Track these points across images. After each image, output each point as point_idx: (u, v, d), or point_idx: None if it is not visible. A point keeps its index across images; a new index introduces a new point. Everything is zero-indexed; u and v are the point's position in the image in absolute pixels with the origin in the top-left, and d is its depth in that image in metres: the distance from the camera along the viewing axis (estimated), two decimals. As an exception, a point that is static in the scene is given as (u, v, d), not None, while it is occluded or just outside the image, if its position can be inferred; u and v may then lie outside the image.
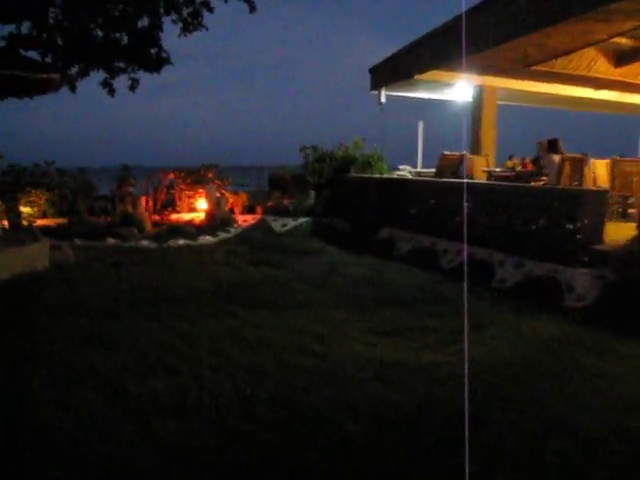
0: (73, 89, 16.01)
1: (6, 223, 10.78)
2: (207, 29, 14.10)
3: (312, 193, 14.71)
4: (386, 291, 7.29)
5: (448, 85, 12.12)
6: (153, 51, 15.49)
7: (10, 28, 11.31)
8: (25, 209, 11.57)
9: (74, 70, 15.57)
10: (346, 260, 9.46)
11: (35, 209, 11.77)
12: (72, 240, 10.54)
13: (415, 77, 10.70)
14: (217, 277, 7.69)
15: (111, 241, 10.56)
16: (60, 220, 11.66)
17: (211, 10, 13.20)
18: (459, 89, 12.72)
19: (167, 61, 15.50)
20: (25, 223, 11.04)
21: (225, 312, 5.97)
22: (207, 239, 11.13)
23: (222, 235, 11.72)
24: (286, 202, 14.33)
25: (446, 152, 11.69)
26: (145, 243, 10.40)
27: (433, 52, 9.79)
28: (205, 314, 5.88)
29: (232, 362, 4.48)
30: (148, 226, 11.40)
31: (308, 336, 5.19)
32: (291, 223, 13.34)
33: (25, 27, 11.64)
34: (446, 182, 10.29)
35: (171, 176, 12.75)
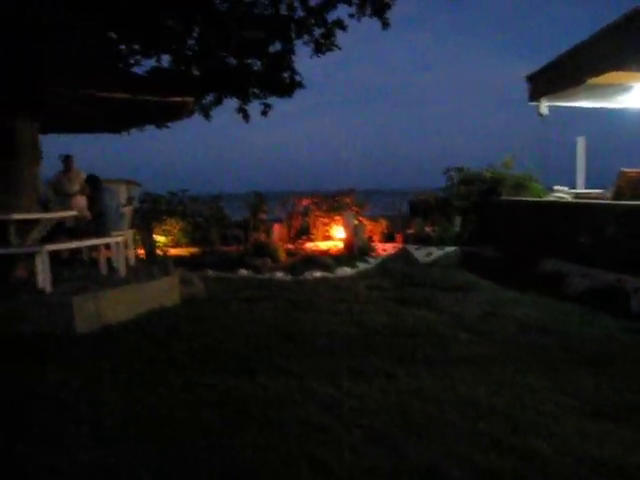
0: (207, 117, 15.97)
1: (141, 252, 10.51)
2: (340, 49, 13.33)
3: (458, 219, 13.31)
4: (569, 343, 5.77)
5: (625, 89, 10.27)
6: (286, 75, 15.09)
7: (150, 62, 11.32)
8: (160, 238, 11.32)
9: (208, 99, 15.52)
10: (505, 298, 8.00)
11: (169, 238, 11.50)
12: (204, 270, 10.03)
13: (588, 82, 9.06)
14: (361, 319, 6.59)
15: (244, 272, 9.90)
16: (193, 249, 11.28)
17: (344, 28, 12.40)
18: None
19: (300, 85, 15.02)
20: (159, 252, 10.73)
21: (376, 369, 4.83)
22: (345, 271, 10.14)
23: (361, 266, 10.69)
24: (429, 229, 13.06)
25: (626, 169, 9.82)
26: (279, 275, 9.60)
27: (617, 48, 8.16)
28: (353, 371, 4.77)
29: (398, 456, 3.30)
30: (282, 256, 10.66)
31: (490, 416, 3.88)
32: (436, 252, 12.03)
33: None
34: (632, 205, 8.50)
35: (306, 202, 11.98)
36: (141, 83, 7.44)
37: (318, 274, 9.72)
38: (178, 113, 8.23)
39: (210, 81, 14.10)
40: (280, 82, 15.41)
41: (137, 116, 8.43)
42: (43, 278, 6.45)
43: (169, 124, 15.21)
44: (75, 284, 6.79)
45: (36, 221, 7.35)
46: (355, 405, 4.06)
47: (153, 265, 8.50)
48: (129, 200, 12.11)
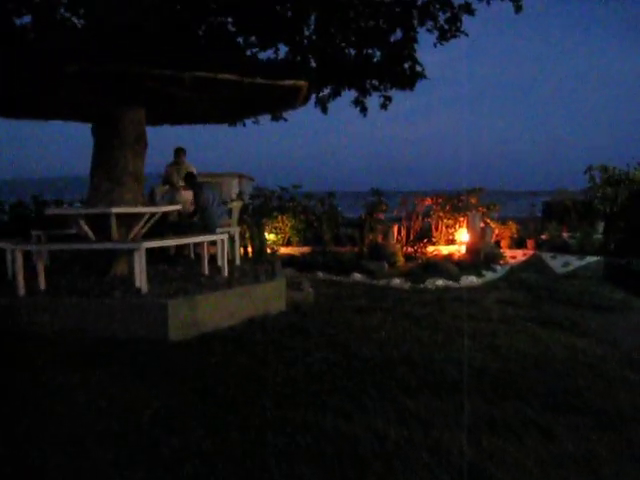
0: (324, 110, 15.26)
1: (250, 250, 9.92)
2: (467, 35, 12.04)
3: (600, 225, 11.57)
4: None
5: None
6: (407, 65, 14.07)
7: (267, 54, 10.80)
8: (270, 236, 10.68)
9: (326, 91, 14.82)
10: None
11: (279, 236, 10.82)
12: (315, 272, 9.23)
13: None
14: (496, 344, 5.40)
15: (358, 277, 8.97)
16: (304, 249, 10.53)
17: (472, 12, 11.10)
18: None
19: (421, 76, 13.93)
20: (269, 251, 10.07)
21: (524, 421, 3.69)
22: (471, 280, 8.90)
23: (488, 275, 9.39)
24: (565, 235, 11.43)
25: None
26: (397, 282, 8.56)
27: None
28: (494, 421, 3.66)
29: None
30: (400, 260, 9.61)
31: None
32: (574, 263, 10.44)
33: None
34: None
35: (428, 202, 10.82)
36: (253, 69, 6.71)
37: (440, 283, 8.57)
38: (291, 99, 7.43)
39: (328, 72, 13.38)
40: (401, 73, 14.39)
41: (248, 103, 7.75)
42: (140, 277, 5.89)
43: (283, 114, 14.64)
44: (174, 285, 6.19)
45: (138, 215, 6.87)
46: (504, 478, 2.96)
47: (260, 265, 7.80)
48: (239, 195, 11.63)
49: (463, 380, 4.41)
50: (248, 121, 14.42)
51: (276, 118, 14.61)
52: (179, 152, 8.90)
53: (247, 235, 10.30)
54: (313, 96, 14.56)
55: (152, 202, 7.57)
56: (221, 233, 7.35)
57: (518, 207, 12.80)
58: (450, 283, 8.62)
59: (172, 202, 8.49)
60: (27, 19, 7.92)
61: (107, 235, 6.63)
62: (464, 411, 3.81)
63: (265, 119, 14.34)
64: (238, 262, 7.86)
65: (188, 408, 3.86)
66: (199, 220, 7.77)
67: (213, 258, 7.26)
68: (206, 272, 6.88)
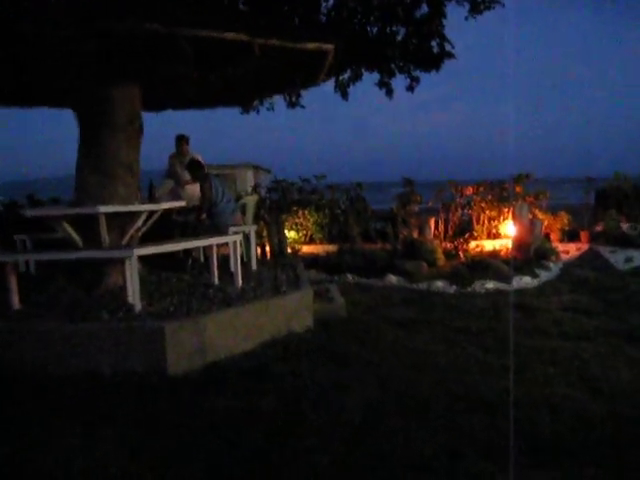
0: (345, 96, 14.05)
1: (268, 250, 8.74)
2: (503, 5, 10.68)
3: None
4: None
5: None
6: (434, 43, 12.74)
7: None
8: (290, 233, 9.49)
9: (346, 75, 13.61)
10: None
11: (301, 234, 9.62)
12: (343, 275, 8.03)
13: None
14: (592, 378, 4.12)
15: (393, 279, 7.75)
16: (329, 247, 9.32)
17: (508, -22, 9.76)
18: None
19: (449, 55, 12.58)
20: (289, 251, 8.88)
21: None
22: (526, 281, 7.63)
23: (543, 275, 8.10)
24: (625, 226, 10.08)
25: None
26: (440, 285, 7.32)
27: None
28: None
29: None
30: (440, 259, 8.36)
31: None
32: (639, 258, 9.13)
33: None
34: None
35: (469, 191, 9.53)
36: (266, 29, 5.47)
37: (491, 285, 7.32)
38: (314, 70, 6.21)
39: (348, 52, 12.20)
40: (427, 52, 13.11)
41: (261, 79, 6.55)
42: (133, 291, 4.73)
43: (301, 100, 13.40)
44: (176, 299, 5.03)
45: (134, 214, 5.72)
46: None
47: (280, 269, 6.62)
48: (255, 188, 10.46)
49: (564, 437, 3.19)
50: (262, 108, 13.24)
51: (292, 104, 13.39)
52: (181, 140, 7.73)
53: (264, 233, 9.12)
54: (333, 80, 13.44)
55: (152, 198, 6.41)
56: (234, 233, 6.19)
57: (567, 195, 11.46)
58: (502, 285, 7.37)
59: (176, 198, 7.35)
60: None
61: (94, 240, 5.50)
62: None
63: (280, 106, 13.12)
64: (254, 266, 6.68)
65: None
66: (208, 219, 6.61)
67: (226, 260, 6.10)
68: (216, 281, 5.71)
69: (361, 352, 4.65)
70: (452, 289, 7.20)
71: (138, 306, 4.69)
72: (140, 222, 5.78)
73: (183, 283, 5.85)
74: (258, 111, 13.00)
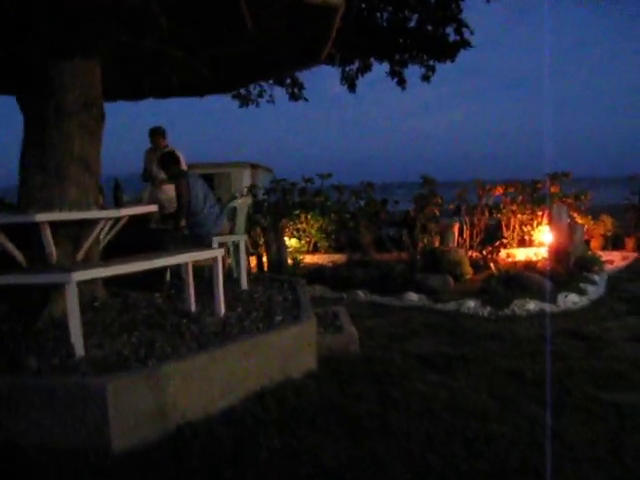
0: (352, 88, 12.90)
1: (265, 260, 7.51)
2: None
3: None
4: None
5: None
6: (451, 28, 11.60)
7: None
8: (291, 241, 8.24)
9: (354, 66, 12.47)
10: None
11: (304, 241, 8.36)
12: (353, 292, 6.79)
13: None
14: None
15: (413, 298, 6.49)
16: (336, 257, 8.08)
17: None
18: None
19: (466, 44, 11.41)
20: (290, 262, 7.64)
21: None
22: (572, 300, 6.36)
23: (590, 290, 6.83)
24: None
25: None
26: (471, 306, 6.06)
27: None
28: None
29: None
30: (468, 272, 7.11)
31: None
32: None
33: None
34: None
35: (498, 191, 8.22)
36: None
37: (532, 306, 6.05)
38: (318, 40, 4.94)
39: (356, 41, 11.05)
40: (441, 40, 11.91)
41: (255, 55, 5.31)
42: (74, 328, 3.49)
43: (304, 87, 12.21)
44: (135, 337, 3.79)
45: (88, 223, 4.50)
46: None
47: (277, 287, 5.37)
48: (250, 189, 9.21)
49: None
50: (262, 101, 12.07)
51: (295, 96, 12.19)
52: (156, 134, 6.52)
53: (261, 241, 7.89)
54: (339, 72, 12.26)
55: (118, 202, 5.17)
56: (219, 245, 4.97)
57: (606, 196, 10.17)
58: (545, 306, 6.10)
59: (152, 201, 6.15)
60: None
61: (36, 256, 4.30)
62: None
63: (283, 99, 11.94)
64: (245, 284, 5.42)
65: None
66: (187, 227, 5.37)
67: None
68: (193, 307, 4.47)
69: (383, 413, 3.39)
70: (486, 311, 5.93)
71: (79, 350, 3.45)
72: (96, 232, 4.55)
73: (153, 310, 4.61)
74: (257, 104, 11.82)
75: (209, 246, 5.12)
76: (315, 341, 4.19)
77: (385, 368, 4.15)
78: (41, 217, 4.01)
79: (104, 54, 4.89)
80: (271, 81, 11.35)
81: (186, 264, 4.41)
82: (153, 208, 4.96)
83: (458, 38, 11.01)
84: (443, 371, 4.12)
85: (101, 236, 4.75)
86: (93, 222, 4.49)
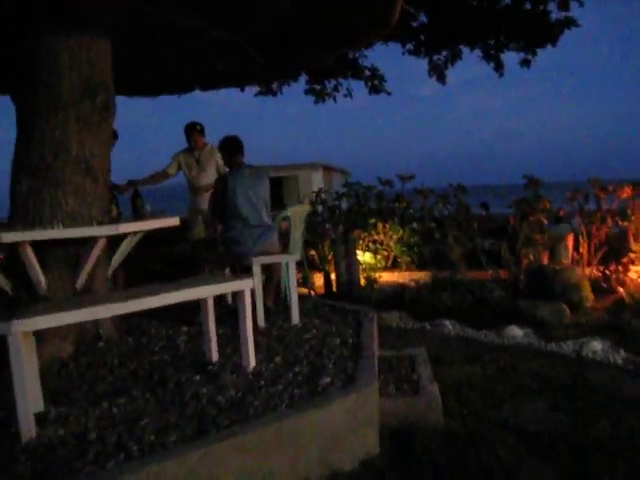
0: (442, 79, 11.54)
1: (334, 279, 6.33)
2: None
3: None
4: None
5: None
6: (551, 9, 10.07)
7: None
8: (365, 256, 6.96)
9: (442, 56, 11.23)
10: None
11: (380, 255, 7.05)
12: (439, 322, 5.44)
13: None
14: None
15: (517, 333, 5.03)
16: (419, 274, 6.71)
17: None
18: None
19: (571, 22, 9.93)
20: (362, 281, 6.37)
21: None
22: None
23: None
24: None
25: None
26: (598, 348, 4.51)
27: None
28: None
29: None
30: (589, 297, 5.55)
31: None
32: None
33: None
34: None
35: (626, 193, 6.55)
36: None
37: (685, 348, 4.43)
38: (382, 14, 3.70)
39: (442, 28, 9.86)
40: (542, 22, 10.39)
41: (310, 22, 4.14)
42: (21, 401, 2.43)
43: (385, 79, 11.08)
44: (123, 401, 2.70)
45: (86, 241, 3.48)
46: None
47: (336, 321, 4.13)
48: (318, 194, 7.99)
49: None
50: (339, 95, 11.03)
51: (375, 88, 11.01)
52: (193, 131, 5.44)
53: (330, 255, 6.69)
54: (426, 62, 11.06)
55: (137, 214, 4.14)
56: (259, 269, 3.81)
57: None
58: (703, 348, 4.46)
59: (191, 213, 5.13)
60: None
61: (18, 283, 3.33)
62: None
63: (362, 93, 10.81)
64: (296, 318, 4.20)
65: None
66: (222, 244, 4.26)
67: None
68: (214, 356, 3.32)
69: None
70: (620, 356, 4.38)
71: (30, 430, 2.39)
72: (98, 252, 3.51)
73: (167, 354, 3.52)
74: (335, 98, 10.80)
75: (248, 269, 4.00)
76: (377, 415, 2.91)
77: (478, 458, 2.80)
78: (8, 237, 3.00)
79: (119, 28, 3.89)
80: (350, 74, 10.42)
81: (205, 299, 3.26)
82: (173, 222, 3.85)
83: (562, 16, 9.42)
84: (571, 468, 2.72)
85: (96, 257, 3.66)
86: (92, 241, 3.46)
